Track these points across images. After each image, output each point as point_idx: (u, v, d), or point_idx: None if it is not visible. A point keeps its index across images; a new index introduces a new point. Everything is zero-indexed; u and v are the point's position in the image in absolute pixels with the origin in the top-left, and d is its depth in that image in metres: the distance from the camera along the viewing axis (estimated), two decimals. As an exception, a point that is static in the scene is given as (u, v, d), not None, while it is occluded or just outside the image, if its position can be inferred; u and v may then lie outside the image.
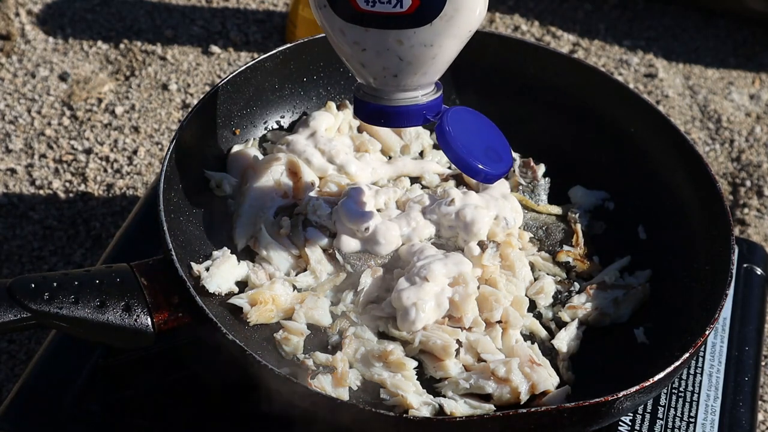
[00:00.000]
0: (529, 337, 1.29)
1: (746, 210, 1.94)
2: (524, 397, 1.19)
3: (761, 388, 1.63)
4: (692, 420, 1.32)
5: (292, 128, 1.49)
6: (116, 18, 2.14)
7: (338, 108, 1.50)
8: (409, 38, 1.13)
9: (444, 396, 1.20)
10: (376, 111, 1.20)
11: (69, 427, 1.24)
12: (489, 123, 1.28)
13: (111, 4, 2.17)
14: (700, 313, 1.24)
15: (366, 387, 1.21)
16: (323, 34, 1.21)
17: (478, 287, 1.28)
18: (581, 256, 1.38)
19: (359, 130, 1.50)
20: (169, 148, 1.28)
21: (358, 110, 1.23)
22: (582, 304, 1.32)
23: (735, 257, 1.27)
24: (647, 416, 1.31)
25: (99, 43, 2.08)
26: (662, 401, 1.34)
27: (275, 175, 1.38)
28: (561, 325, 1.30)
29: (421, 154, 1.50)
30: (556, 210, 1.44)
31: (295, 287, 1.29)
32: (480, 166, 1.19)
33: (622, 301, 1.32)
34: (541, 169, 1.48)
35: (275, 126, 1.50)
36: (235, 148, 1.43)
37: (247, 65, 1.43)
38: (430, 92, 1.20)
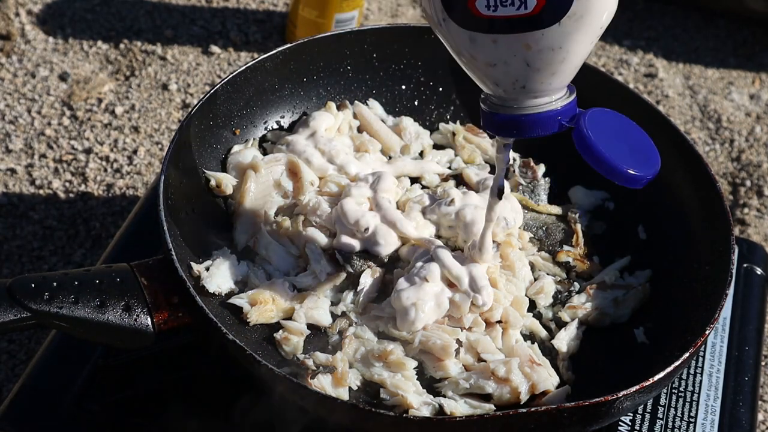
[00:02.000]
0: (529, 337, 1.29)
1: (746, 210, 1.94)
2: (524, 397, 1.19)
3: (761, 388, 1.63)
4: (692, 420, 1.32)
5: (292, 128, 1.49)
6: (116, 18, 2.14)
7: (338, 108, 1.50)
8: (537, 41, 1.04)
9: (444, 396, 1.20)
10: (508, 121, 1.11)
11: (69, 427, 1.24)
12: (629, 122, 1.16)
13: (111, 4, 2.17)
14: (700, 313, 1.24)
15: (366, 387, 1.21)
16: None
17: (478, 287, 1.28)
18: (581, 256, 1.38)
19: (359, 130, 1.50)
20: (169, 148, 1.28)
21: (486, 122, 1.13)
22: (582, 304, 1.32)
23: (735, 257, 1.27)
24: (647, 416, 1.31)
25: (99, 43, 2.07)
26: (662, 401, 1.34)
27: (275, 175, 1.38)
28: (561, 325, 1.30)
29: (421, 154, 1.50)
30: (556, 210, 1.44)
31: (295, 287, 1.29)
32: (629, 171, 1.08)
33: (622, 301, 1.32)
34: (541, 169, 1.48)
35: (275, 126, 1.50)
36: (235, 148, 1.43)
37: (247, 65, 1.43)
38: (564, 96, 1.11)
